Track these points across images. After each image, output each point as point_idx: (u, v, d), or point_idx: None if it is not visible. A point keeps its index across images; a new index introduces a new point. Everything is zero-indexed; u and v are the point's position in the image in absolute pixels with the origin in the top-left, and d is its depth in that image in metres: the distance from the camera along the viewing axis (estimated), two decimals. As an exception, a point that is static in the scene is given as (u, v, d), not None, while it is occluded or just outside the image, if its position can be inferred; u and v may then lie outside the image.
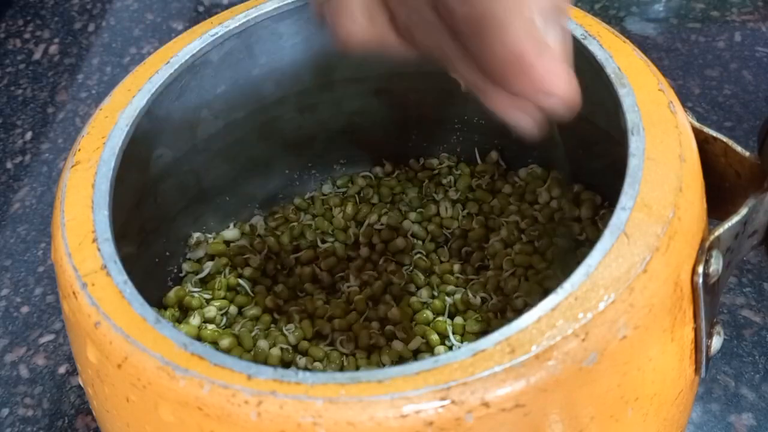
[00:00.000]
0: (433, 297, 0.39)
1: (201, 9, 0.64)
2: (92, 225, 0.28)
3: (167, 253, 0.40)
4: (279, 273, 0.41)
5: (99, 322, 0.25)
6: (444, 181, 0.43)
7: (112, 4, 0.66)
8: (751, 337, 0.41)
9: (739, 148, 0.30)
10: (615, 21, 0.58)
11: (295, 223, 0.42)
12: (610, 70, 0.30)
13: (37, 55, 0.63)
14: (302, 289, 0.40)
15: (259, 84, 0.38)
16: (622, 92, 0.29)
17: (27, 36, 0.65)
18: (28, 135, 0.57)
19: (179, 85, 0.34)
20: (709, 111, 0.51)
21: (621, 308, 0.24)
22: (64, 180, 0.29)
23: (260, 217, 0.43)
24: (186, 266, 0.40)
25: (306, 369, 0.37)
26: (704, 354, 0.28)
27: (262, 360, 0.37)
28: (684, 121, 0.29)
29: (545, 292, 0.38)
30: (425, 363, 0.23)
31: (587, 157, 0.39)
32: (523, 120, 0.24)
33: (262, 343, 0.37)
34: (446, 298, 0.39)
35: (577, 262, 0.25)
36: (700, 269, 0.26)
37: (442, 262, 0.40)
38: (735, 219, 0.27)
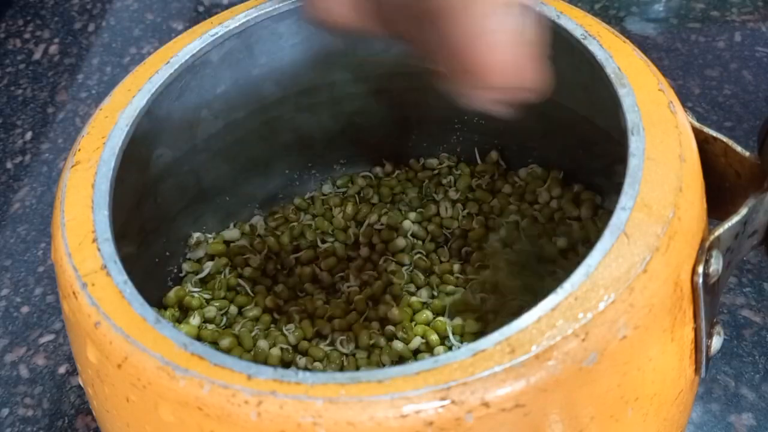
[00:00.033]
0: (432, 297, 0.39)
1: (201, 9, 0.64)
2: (92, 225, 0.28)
3: (167, 253, 0.40)
4: (279, 273, 0.41)
5: (99, 322, 0.25)
6: (444, 181, 0.43)
7: (112, 4, 0.66)
8: (751, 337, 0.41)
9: (739, 148, 0.30)
10: (615, 21, 0.58)
11: (295, 223, 0.42)
12: (610, 70, 0.30)
13: (37, 55, 0.63)
14: (302, 289, 0.40)
15: (259, 84, 0.38)
16: (622, 92, 0.29)
17: (27, 36, 0.65)
18: (28, 135, 0.57)
19: (179, 85, 0.34)
20: (709, 111, 0.51)
21: (621, 308, 0.24)
22: (64, 180, 0.29)
23: (260, 217, 0.43)
24: (186, 266, 0.40)
25: (306, 369, 0.37)
26: (704, 354, 0.28)
27: (262, 360, 0.37)
28: (684, 121, 0.29)
29: (543, 293, 0.38)
30: (425, 363, 0.23)
31: (587, 157, 0.39)
32: (492, 106, 0.25)
33: (262, 343, 0.37)
34: (446, 297, 0.39)
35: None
36: (700, 269, 0.26)
37: (442, 262, 0.40)
38: (735, 219, 0.27)
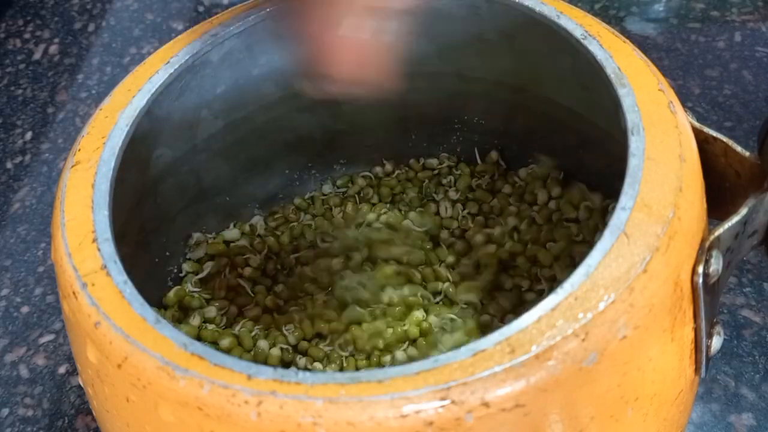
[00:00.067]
0: (435, 297, 0.39)
1: (201, 9, 0.64)
2: (92, 225, 0.28)
3: (167, 253, 0.40)
4: (279, 273, 0.41)
5: (99, 322, 0.25)
6: (444, 181, 0.43)
7: (112, 4, 0.66)
8: (751, 337, 0.41)
9: (739, 148, 0.30)
10: (615, 21, 0.58)
11: (295, 224, 0.42)
12: (610, 70, 0.30)
13: (37, 55, 0.63)
14: (302, 289, 0.40)
15: (259, 84, 0.38)
16: (622, 92, 0.29)
17: (27, 36, 0.65)
18: (28, 135, 0.57)
19: (179, 85, 0.34)
20: (709, 111, 0.51)
21: (621, 308, 0.24)
22: (64, 180, 0.29)
23: (260, 217, 0.43)
24: (186, 266, 0.40)
25: (306, 369, 0.37)
26: (704, 354, 0.28)
27: (262, 360, 0.37)
28: (684, 121, 0.29)
29: (541, 293, 0.38)
30: (425, 363, 0.23)
31: (587, 157, 0.39)
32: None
33: (262, 343, 0.37)
34: (445, 297, 0.39)
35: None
36: (700, 269, 0.26)
37: (441, 261, 0.40)
38: (735, 219, 0.27)
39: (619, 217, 0.25)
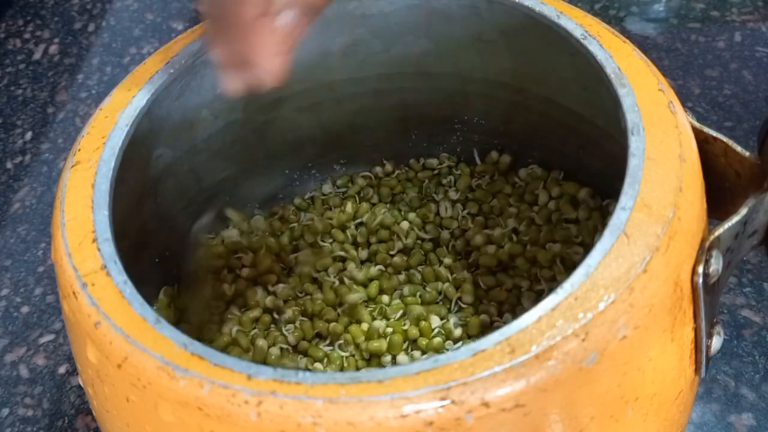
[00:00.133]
0: (436, 297, 0.39)
1: (201, 9, 0.64)
2: (92, 225, 0.28)
3: (167, 253, 0.40)
4: (279, 273, 0.41)
5: (99, 322, 0.25)
6: (444, 181, 0.43)
7: (112, 4, 0.66)
8: (751, 337, 0.41)
9: (739, 148, 0.30)
10: (615, 21, 0.58)
11: (295, 224, 0.42)
12: (610, 70, 0.30)
13: (37, 55, 0.63)
14: (302, 289, 0.40)
15: (259, 84, 0.38)
16: (622, 92, 0.29)
17: (27, 36, 0.65)
18: (28, 135, 0.57)
19: (179, 85, 0.34)
20: (709, 111, 0.51)
21: (621, 308, 0.24)
22: (64, 180, 0.29)
23: (260, 217, 0.43)
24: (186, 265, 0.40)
25: (306, 369, 0.37)
26: (704, 354, 0.28)
27: (262, 360, 0.37)
28: (684, 121, 0.29)
29: (540, 293, 0.38)
30: (425, 363, 0.23)
31: (587, 157, 0.39)
32: (230, 81, 0.27)
33: (262, 343, 0.37)
34: (445, 297, 0.39)
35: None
36: (700, 269, 0.26)
37: (441, 262, 0.40)
38: (735, 219, 0.27)
39: (619, 217, 0.25)
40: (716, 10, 0.58)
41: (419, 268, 0.40)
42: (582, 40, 0.31)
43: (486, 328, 0.37)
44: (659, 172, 0.26)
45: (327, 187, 0.44)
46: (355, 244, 0.41)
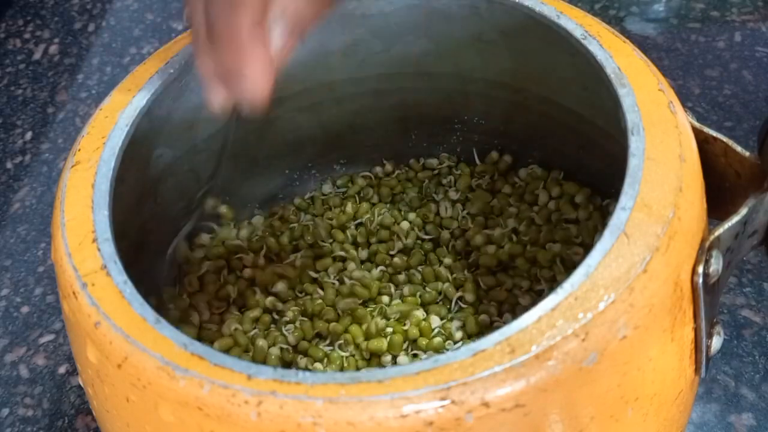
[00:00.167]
0: (436, 297, 0.39)
1: (201, 9, 0.64)
2: (92, 225, 0.28)
3: (167, 253, 0.40)
4: (279, 273, 0.41)
5: (99, 322, 0.25)
6: (444, 181, 0.43)
7: (112, 4, 0.66)
8: (751, 337, 0.41)
9: (739, 148, 0.30)
10: (615, 21, 0.58)
11: (295, 224, 0.42)
12: (610, 70, 0.30)
13: (37, 55, 0.63)
14: (302, 289, 0.40)
15: (259, 84, 0.38)
16: (622, 92, 0.29)
17: (27, 36, 0.65)
18: (28, 135, 0.57)
19: (179, 85, 0.34)
20: (709, 111, 0.51)
21: (621, 308, 0.24)
22: (64, 180, 0.29)
23: (260, 217, 0.43)
24: (186, 266, 0.40)
25: (306, 369, 0.37)
26: (704, 354, 0.28)
27: (262, 360, 0.37)
28: (684, 121, 0.29)
29: (539, 292, 0.38)
30: (425, 363, 0.23)
31: (587, 157, 0.39)
32: (216, 94, 0.26)
33: (262, 343, 0.37)
34: (445, 297, 0.39)
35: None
36: (700, 269, 0.26)
37: (441, 262, 0.40)
38: (735, 219, 0.27)
39: (619, 217, 0.25)
40: (716, 10, 0.58)
41: (419, 268, 0.40)
42: (582, 40, 0.31)
43: (486, 328, 0.37)
44: (659, 172, 0.26)
45: (327, 187, 0.44)
46: (355, 244, 0.41)
